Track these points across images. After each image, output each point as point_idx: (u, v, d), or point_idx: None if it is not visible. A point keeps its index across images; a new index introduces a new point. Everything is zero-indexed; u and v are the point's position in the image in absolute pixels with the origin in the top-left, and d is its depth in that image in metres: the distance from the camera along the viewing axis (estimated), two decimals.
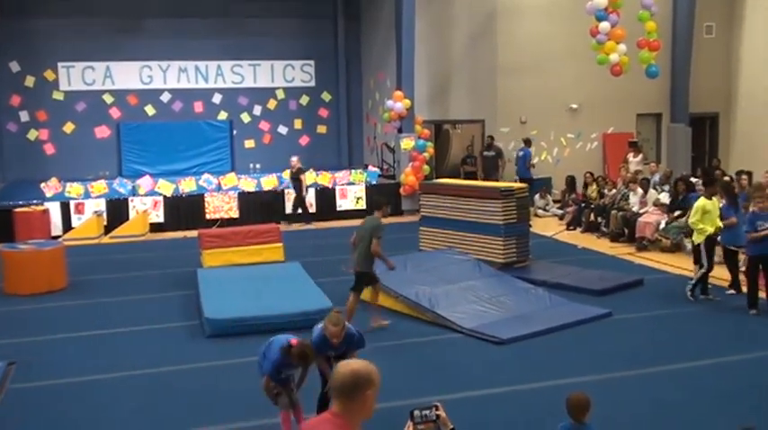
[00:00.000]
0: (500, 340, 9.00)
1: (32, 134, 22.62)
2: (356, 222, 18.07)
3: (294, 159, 18.26)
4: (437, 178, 18.98)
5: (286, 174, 18.93)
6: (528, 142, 19.52)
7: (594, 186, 17.41)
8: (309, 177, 18.97)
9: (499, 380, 7.80)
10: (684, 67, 20.54)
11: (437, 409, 3.76)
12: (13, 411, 7.27)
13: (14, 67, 22.36)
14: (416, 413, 3.76)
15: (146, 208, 17.41)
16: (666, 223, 14.27)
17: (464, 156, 20.49)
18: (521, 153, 19.37)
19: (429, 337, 9.33)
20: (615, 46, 16.92)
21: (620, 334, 9.36)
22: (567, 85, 20.15)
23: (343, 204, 19.02)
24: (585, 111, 20.52)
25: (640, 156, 19.01)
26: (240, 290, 10.62)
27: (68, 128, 22.72)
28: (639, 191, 15.44)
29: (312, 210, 18.43)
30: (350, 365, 3.46)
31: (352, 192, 19.13)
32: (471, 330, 9.34)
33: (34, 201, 16.88)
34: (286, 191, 18.50)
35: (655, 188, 15.94)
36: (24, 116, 22.56)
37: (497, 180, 18.25)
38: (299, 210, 18.06)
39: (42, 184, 17.72)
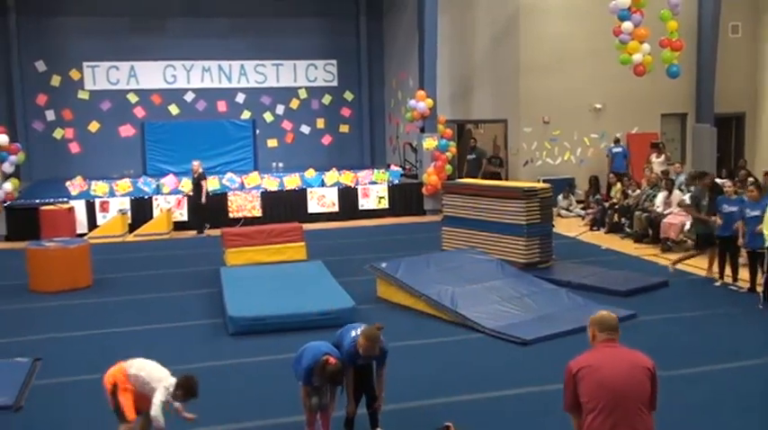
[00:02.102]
0: (523, 341, 8.96)
1: (58, 133, 22.83)
2: (379, 221, 18.26)
3: (195, 164, 17.53)
4: (459, 178, 18.95)
5: (309, 174, 18.98)
6: (617, 140, 19.80)
7: (619, 187, 17.30)
8: (331, 176, 19.00)
9: (522, 380, 7.77)
10: (710, 67, 20.35)
11: (449, 429, 3.73)
12: (39, 407, 7.34)
13: (41, 66, 22.59)
14: None
15: (169, 206, 17.51)
16: (691, 224, 14.11)
17: (490, 156, 20.42)
18: (618, 150, 19.55)
19: (451, 337, 9.32)
20: (638, 46, 16.78)
21: (644, 335, 9.27)
22: (591, 84, 20.03)
23: (365, 204, 19.04)
24: (609, 111, 20.38)
25: (663, 156, 18.87)
26: (263, 288, 10.66)
27: (93, 127, 22.92)
28: (664, 191, 15.31)
29: (335, 208, 18.45)
30: None
31: (374, 191, 19.13)
32: (493, 330, 9.31)
33: (60, 200, 17.04)
34: (309, 191, 18.53)
35: (680, 189, 15.80)
36: (50, 115, 22.79)
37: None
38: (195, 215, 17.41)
39: (68, 183, 17.89)
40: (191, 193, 17.46)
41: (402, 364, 8.38)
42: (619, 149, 19.69)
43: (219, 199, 18.02)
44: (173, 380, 5.81)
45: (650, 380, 4.35)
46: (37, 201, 17.00)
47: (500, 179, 18.85)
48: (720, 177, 16.95)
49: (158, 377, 5.84)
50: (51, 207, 16.41)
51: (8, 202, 16.77)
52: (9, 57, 22.20)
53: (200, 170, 17.43)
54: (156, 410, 5.66)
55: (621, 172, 18.62)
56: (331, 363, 5.99)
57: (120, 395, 5.82)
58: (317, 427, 6.32)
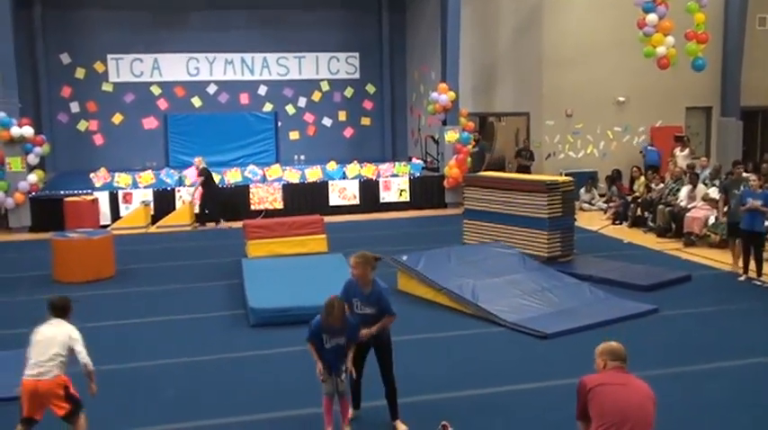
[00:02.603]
0: (543, 334, 8.93)
1: (82, 125, 23.03)
2: (400, 214, 18.25)
3: (197, 160, 17.63)
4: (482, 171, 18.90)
5: (330, 166, 19.00)
6: (652, 144, 19.78)
7: (642, 180, 17.16)
8: (353, 169, 19.00)
9: (542, 374, 7.75)
10: (736, 60, 20.12)
11: (447, 428, 3.76)
12: None
13: (65, 59, 22.79)
14: None
15: (191, 198, 17.59)
16: (716, 218, 14.00)
17: (519, 149, 20.31)
18: (652, 149, 19.50)
19: (471, 331, 9.30)
20: (663, 38, 16.60)
21: (666, 330, 9.22)
22: (614, 77, 19.86)
23: (386, 196, 19.03)
24: (633, 105, 20.20)
25: (687, 150, 18.71)
26: (284, 280, 10.69)
27: (117, 119, 23.10)
28: (688, 185, 15.17)
29: (355, 201, 18.50)
30: None
31: (395, 184, 19.12)
32: (514, 324, 9.28)
33: (84, 191, 17.18)
34: (330, 183, 18.57)
35: (704, 183, 15.65)
36: (75, 107, 22.99)
37: None
38: (206, 211, 17.37)
39: (91, 174, 18.04)
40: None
41: (422, 357, 8.39)
42: (653, 149, 19.50)
43: (241, 190, 18.09)
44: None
45: (654, 410, 4.71)
46: (61, 192, 17.15)
47: (529, 172, 18.75)
48: (746, 171, 16.75)
49: (61, 341, 6.04)
50: (75, 198, 16.55)
51: (33, 194, 16.94)
52: (34, 49, 22.40)
53: (202, 166, 17.38)
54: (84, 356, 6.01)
55: (656, 166, 18.42)
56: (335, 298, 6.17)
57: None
58: (335, 414, 6.35)
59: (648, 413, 4.64)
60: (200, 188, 17.26)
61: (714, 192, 14.98)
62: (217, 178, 18.13)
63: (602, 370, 4.86)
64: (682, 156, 18.26)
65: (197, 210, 17.43)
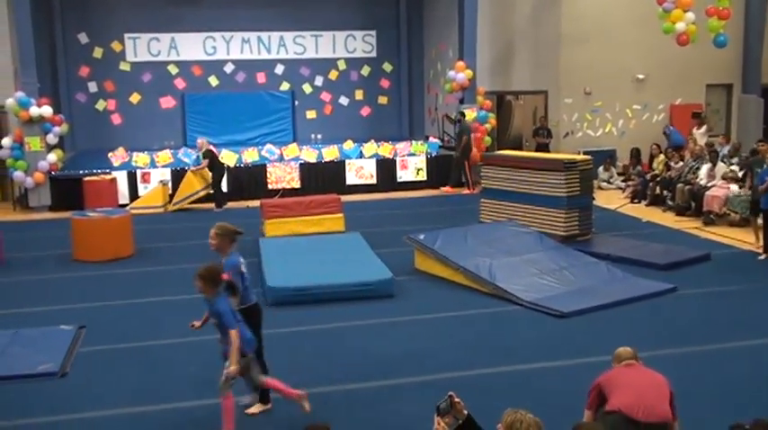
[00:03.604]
0: (561, 313, 8.92)
1: (101, 104, 23.10)
2: (417, 193, 18.23)
3: (200, 141, 17.38)
4: (499, 149, 18.81)
5: (347, 145, 18.98)
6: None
7: (661, 158, 17.03)
8: (370, 148, 18.97)
9: (559, 353, 7.75)
10: (757, 36, 19.84)
11: (453, 398, 3.79)
12: (83, 373, 7.51)
13: (83, 38, 22.81)
14: (443, 406, 3.78)
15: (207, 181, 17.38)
16: (735, 196, 13.88)
17: (536, 128, 20.16)
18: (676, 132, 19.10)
19: (489, 309, 9.30)
20: (682, 14, 16.39)
21: (685, 309, 9.19)
22: (633, 54, 19.65)
23: (403, 175, 19.00)
24: (652, 82, 20.00)
25: (704, 127, 18.51)
26: (302, 259, 10.73)
27: (135, 98, 23.14)
28: (708, 163, 15.04)
29: (372, 180, 18.47)
30: None
31: (412, 163, 19.08)
32: (531, 303, 9.27)
33: (102, 170, 17.27)
34: (347, 162, 18.55)
35: (723, 161, 15.52)
36: (93, 87, 23.04)
37: (462, 156, 18.41)
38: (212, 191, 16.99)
39: (110, 154, 18.12)
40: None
41: (439, 336, 8.41)
42: (675, 129, 19.23)
43: (259, 170, 18.12)
44: None
45: (670, 395, 5.02)
46: (81, 172, 17.24)
47: (548, 151, 18.61)
48: None
49: None
50: (94, 178, 16.65)
51: (53, 173, 17.06)
52: (53, 29, 22.43)
53: (206, 147, 17.05)
54: None
55: (681, 145, 18.17)
56: None
57: None
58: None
59: (663, 399, 4.87)
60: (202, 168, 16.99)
61: (734, 171, 14.86)
62: (234, 158, 18.17)
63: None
64: (699, 134, 18.08)
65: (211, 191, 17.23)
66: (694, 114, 19.03)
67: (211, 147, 17.23)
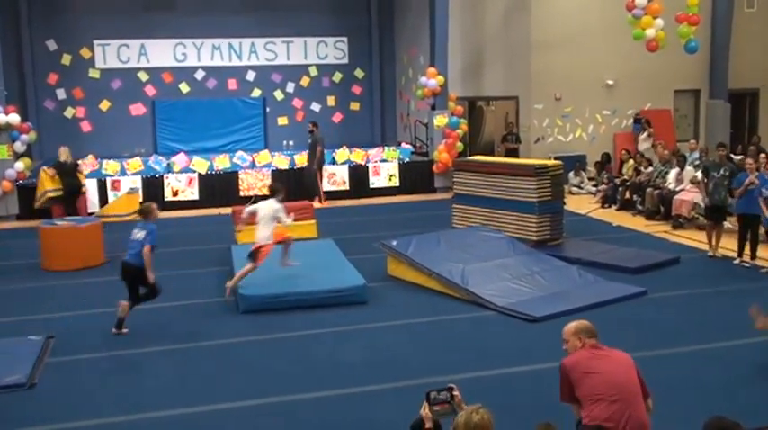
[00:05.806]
0: (533, 318, 8.96)
1: (69, 112, 22.85)
2: (389, 199, 18.26)
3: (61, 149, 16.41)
4: (471, 155, 18.88)
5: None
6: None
7: (630, 163, 17.19)
8: (342, 154, 18.98)
9: (531, 357, 7.78)
10: (724, 42, 20.12)
11: (453, 391, 3.82)
12: (52, 384, 7.40)
13: (51, 45, 22.57)
14: (433, 394, 3.82)
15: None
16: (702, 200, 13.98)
17: (505, 134, 20.29)
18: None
19: (461, 315, 9.32)
20: (652, 21, 16.59)
21: (655, 312, 9.27)
22: (603, 60, 19.85)
23: (376, 181, 19.01)
24: (622, 88, 20.21)
25: (646, 133, 18.66)
26: (274, 266, 10.66)
27: (104, 105, 22.93)
28: (676, 168, 15.21)
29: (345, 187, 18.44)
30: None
31: (385, 169, 19.10)
32: (504, 308, 9.31)
33: None
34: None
35: (694, 166, 15.69)
36: (61, 94, 22.79)
37: (317, 168, 18.07)
38: None
39: (79, 161, 17.91)
40: None
41: (411, 341, 8.41)
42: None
43: (230, 177, 18.02)
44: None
45: (637, 373, 5.02)
46: None
47: (517, 156, 18.72)
48: (735, 154, 16.81)
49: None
50: None
51: (20, 181, 16.83)
52: (20, 36, 22.17)
53: (64, 157, 16.04)
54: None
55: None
56: None
57: None
58: None
59: (634, 380, 4.91)
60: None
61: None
62: (205, 165, 18.06)
63: (579, 348, 5.06)
64: (642, 139, 18.28)
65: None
66: (636, 120, 19.20)
67: (66, 160, 16.19)
